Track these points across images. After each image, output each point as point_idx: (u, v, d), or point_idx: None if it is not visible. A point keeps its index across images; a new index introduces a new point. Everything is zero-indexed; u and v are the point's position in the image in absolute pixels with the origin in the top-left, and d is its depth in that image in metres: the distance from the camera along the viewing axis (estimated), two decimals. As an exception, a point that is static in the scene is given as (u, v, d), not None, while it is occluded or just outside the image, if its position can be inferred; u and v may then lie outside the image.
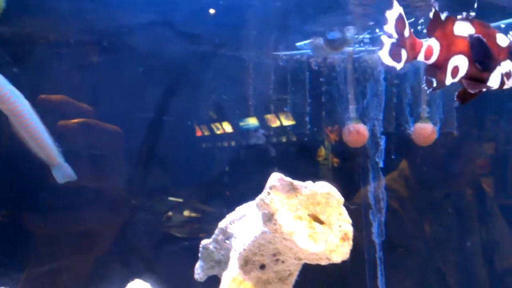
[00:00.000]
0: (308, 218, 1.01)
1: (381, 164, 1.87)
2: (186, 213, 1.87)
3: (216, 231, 1.19)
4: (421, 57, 0.95)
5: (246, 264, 1.06)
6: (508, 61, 0.96)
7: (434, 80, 0.97)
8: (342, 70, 1.78)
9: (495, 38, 0.96)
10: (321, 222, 1.01)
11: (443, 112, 1.87)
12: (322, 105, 1.82)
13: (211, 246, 1.22)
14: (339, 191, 0.99)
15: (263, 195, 0.96)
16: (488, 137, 2.12)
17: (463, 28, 0.95)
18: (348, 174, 2.03)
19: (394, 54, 0.91)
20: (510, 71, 0.96)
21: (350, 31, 1.49)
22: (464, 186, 2.11)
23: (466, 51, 0.95)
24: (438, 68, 0.96)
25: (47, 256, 1.59)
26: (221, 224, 1.18)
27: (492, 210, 2.12)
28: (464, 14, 0.96)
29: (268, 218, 0.96)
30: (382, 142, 1.85)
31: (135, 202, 1.72)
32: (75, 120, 1.54)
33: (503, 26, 1.65)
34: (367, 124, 1.81)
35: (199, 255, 1.24)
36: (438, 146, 1.90)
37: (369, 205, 1.89)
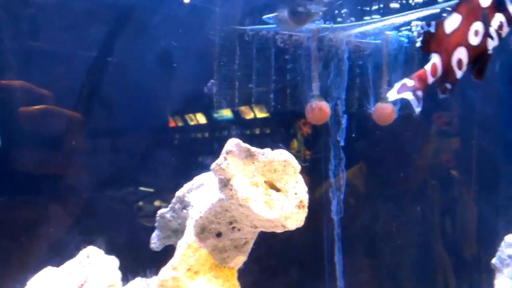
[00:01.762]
0: (264, 185, 1.01)
1: (342, 143, 1.90)
2: (157, 203, 1.86)
3: (174, 200, 1.18)
4: (431, 80, 1.04)
5: (202, 231, 1.06)
6: (496, 15, 1.03)
7: (448, 84, 1.05)
8: (306, 48, 1.79)
9: (479, 5, 1.03)
10: (277, 190, 1.02)
11: (404, 94, 1.91)
12: (286, 82, 1.82)
13: (168, 215, 1.21)
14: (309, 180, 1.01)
15: (219, 160, 0.95)
16: (453, 132, 2.17)
17: (452, 22, 1.03)
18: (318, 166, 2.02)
19: (418, 99, 1.01)
20: (500, 22, 1.03)
21: (315, 5, 1.49)
22: (425, 170, 2.17)
23: (462, 40, 1.03)
24: (447, 72, 1.04)
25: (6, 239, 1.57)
26: (179, 193, 1.17)
27: (461, 197, 2.18)
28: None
29: (224, 183, 0.96)
30: (343, 121, 1.88)
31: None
32: (36, 107, 1.53)
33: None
34: (330, 103, 1.83)
35: (156, 224, 1.23)
36: (398, 128, 1.95)
37: (329, 183, 1.92)
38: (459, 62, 1.05)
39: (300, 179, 1.03)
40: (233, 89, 1.82)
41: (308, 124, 1.90)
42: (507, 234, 1.60)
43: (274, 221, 1.00)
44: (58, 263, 1.06)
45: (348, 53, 1.87)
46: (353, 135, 1.95)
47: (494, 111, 2.01)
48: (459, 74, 1.05)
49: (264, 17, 1.66)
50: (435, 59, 1.04)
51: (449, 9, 1.05)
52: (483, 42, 1.05)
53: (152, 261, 1.09)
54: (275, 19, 1.59)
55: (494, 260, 1.57)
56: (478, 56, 1.06)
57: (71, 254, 1.06)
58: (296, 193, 1.02)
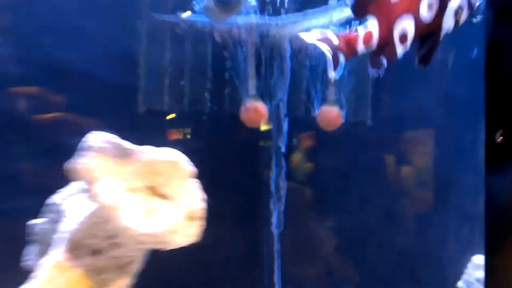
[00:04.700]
0: (145, 191, 0.83)
1: (283, 149, 1.73)
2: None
3: (48, 209, 0.99)
4: (361, 49, 0.84)
5: (76, 248, 0.87)
6: None
7: (383, 59, 0.84)
8: (245, 44, 1.62)
9: None
10: (163, 197, 0.84)
11: (355, 98, 1.76)
12: (224, 81, 1.64)
13: (45, 226, 1.01)
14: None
15: (79, 159, 0.76)
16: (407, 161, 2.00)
17: None
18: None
19: (337, 63, 0.84)
20: (460, 5, 0.83)
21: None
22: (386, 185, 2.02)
23: (410, 9, 0.82)
24: (385, 44, 0.83)
25: None
26: (53, 200, 0.97)
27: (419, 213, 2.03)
28: None
29: (87, 188, 0.77)
30: (285, 125, 1.71)
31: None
32: None
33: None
34: (270, 104, 1.66)
35: (31, 238, 1.02)
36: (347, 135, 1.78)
37: (270, 193, 1.75)
38: (403, 35, 0.84)
39: (193, 185, 0.85)
40: (162, 86, 1.64)
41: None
42: (474, 255, 1.48)
43: (157, 236, 0.82)
44: None
45: (292, 51, 1.71)
46: (295, 141, 1.77)
47: (447, 115, 1.85)
48: (400, 49, 0.82)
49: (195, 7, 1.49)
50: (372, 25, 0.82)
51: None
52: (437, 21, 0.85)
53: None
54: (204, 9, 1.43)
55: (460, 284, 1.44)
56: (428, 36, 0.86)
57: None
58: (186, 202, 0.84)
